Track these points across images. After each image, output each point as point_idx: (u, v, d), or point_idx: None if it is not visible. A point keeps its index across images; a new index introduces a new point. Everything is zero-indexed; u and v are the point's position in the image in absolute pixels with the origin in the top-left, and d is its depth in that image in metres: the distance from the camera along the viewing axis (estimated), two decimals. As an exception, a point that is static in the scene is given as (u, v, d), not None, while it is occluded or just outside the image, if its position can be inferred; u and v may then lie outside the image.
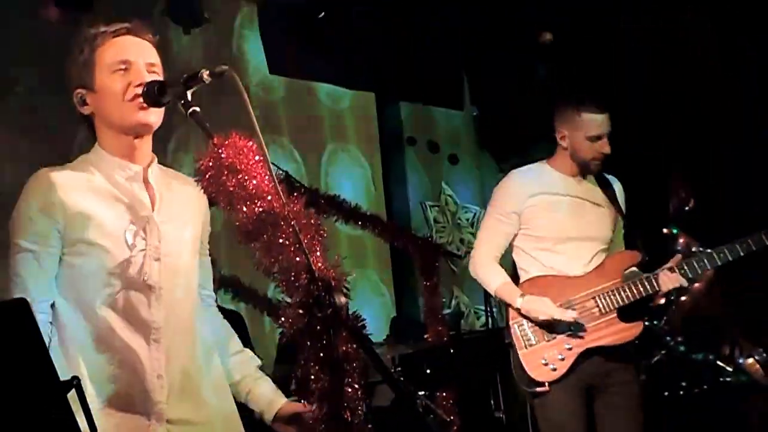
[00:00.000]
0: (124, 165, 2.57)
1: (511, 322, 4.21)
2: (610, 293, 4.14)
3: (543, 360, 4.09)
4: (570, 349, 4.08)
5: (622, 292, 4.13)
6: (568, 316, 4.07)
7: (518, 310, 4.16)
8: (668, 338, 6.00)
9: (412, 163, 8.76)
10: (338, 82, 8.20)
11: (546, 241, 4.25)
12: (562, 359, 4.07)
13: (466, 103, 9.29)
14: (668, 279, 4.08)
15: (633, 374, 4.24)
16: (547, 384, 4.07)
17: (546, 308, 4.09)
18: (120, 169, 2.57)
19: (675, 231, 5.78)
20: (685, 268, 4.11)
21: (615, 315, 4.14)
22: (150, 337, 2.50)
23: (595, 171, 4.33)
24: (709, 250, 4.15)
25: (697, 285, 4.54)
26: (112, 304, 2.47)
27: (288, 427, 2.68)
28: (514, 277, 4.39)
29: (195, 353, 2.65)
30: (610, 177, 4.43)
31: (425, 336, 6.09)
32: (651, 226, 5.43)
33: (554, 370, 4.06)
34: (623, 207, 4.40)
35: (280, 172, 5.50)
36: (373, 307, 7.84)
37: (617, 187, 4.42)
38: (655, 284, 4.11)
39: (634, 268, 4.23)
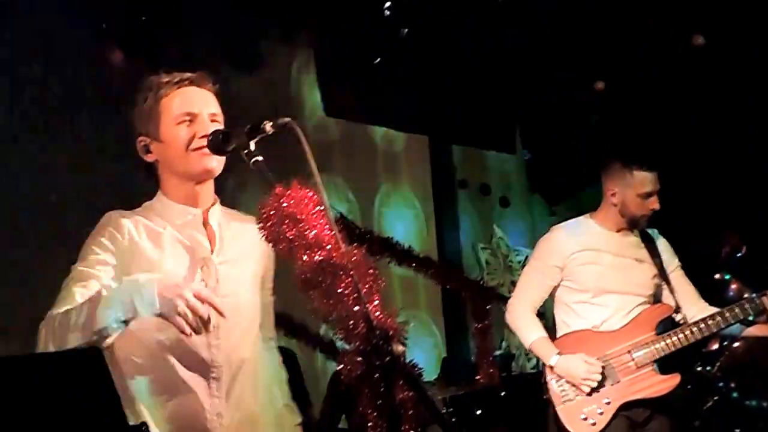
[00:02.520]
0: (185, 210, 2.64)
1: (548, 378, 4.26)
2: (644, 346, 4.18)
3: (582, 415, 4.13)
4: (608, 403, 4.12)
5: (656, 345, 4.16)
6: (598, 373, 4.12)
7: (551, 368, 4.21)
8: (721, 384, 5.96)
9: (464, 205, 8.79)
10: (392, 125, 8.26)
11: (587, 294, 4.29)
12: (601, 413, 4.11)
13: (517, 146, 9.34)
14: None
15: (670, 425, 4.25)
16: None
17: (578, 371, 4.13)
18: (181, 214, 2.64)
19: (727, 277, 5.77)
20: (717, 318, 4.16)
21: (652, 368, 4.18)
22: (210, 376, 2.54)
23: (644, 226, 4.39)
24: (753, 296, 4.18)
25: (751, 330, 4.50)
26: (171, 346, 2.50)
27: None
28: (553, 328, 4.45)
29: (255, 392, 2.68)
30: (652, 231, 4.48)
31: (476, 377, 6.14)
32: (703, 273, 5.40)
33: (593, 424, 4.11)
34: (668, 261, 4.43)
35: (336, 212, 5.58)
36: (424, 347, 7.83)
37: (660, 241, 4.46)
38: (683, 337, 4.16)
39: (667, 321, 4.28)
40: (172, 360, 2.52)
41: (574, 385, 4.16)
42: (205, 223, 2.68)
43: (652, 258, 4.37)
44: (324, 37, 7.63)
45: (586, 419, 4.12)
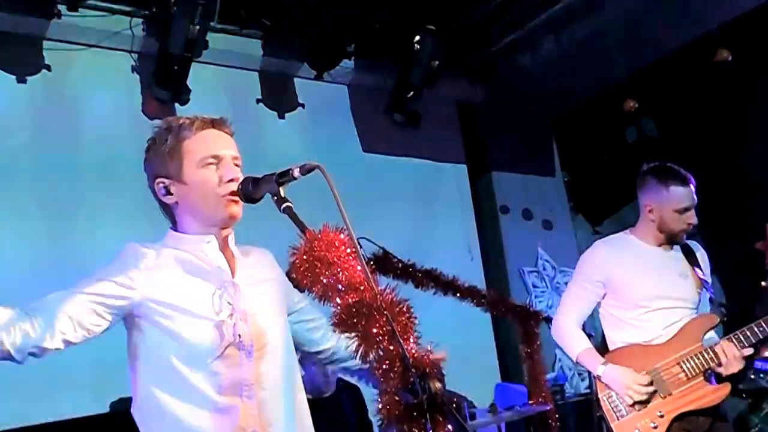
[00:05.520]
0: (202, 238, 2.63)
1: (600, 395, 4.25)
2: (693, 357, 4.15)
3: (636, 430, 4.12)
4: (662, 416, 4.11)
5: (705, 356, 4.13)
6: (647, 385, 4.12)
7: (599, 377, 4.23)
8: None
9: (507, 230, 8.80)
10: (430, 157, 8.34)
11: (632, 308, 4.28)
12: (655, 427, 4.10)
13: (557, 169, 9.38)
14: (726, 348, 4.11)
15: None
16: None
17: (624, 379, 4.15)
18: (199, 241, 2.63)
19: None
20: (747, 333, 4.12)
21: (702, 378, 4.16)
22: (243, 395, 2.53)
23: (682, 241, 4.38)
24: None
25: None
26: (203, 367, 2.50)
27: None
28: (602, 343, 4.44)
29: (292, 405, 2.69)
30: (692, 243, 4.46)
31: (529, 402, 6.13)
32: (749, 281, 5.39)
33: None
34: (707, 272, 4.40)
35: (379, 249, 5.60)
36: (477, 374, 7.81)
37: (700, 253, 4.44)
38: (732, 346, 4.11)
39: (712, 332, 4.25)
40: (205, 380, 2.51)
41: (623, 399, 4.16)
42: (224, 249, 2.67)
43: (693, 269, 4.36)
44: (359, 72, 7.74)
45: None
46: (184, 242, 2.65)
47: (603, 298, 4.40)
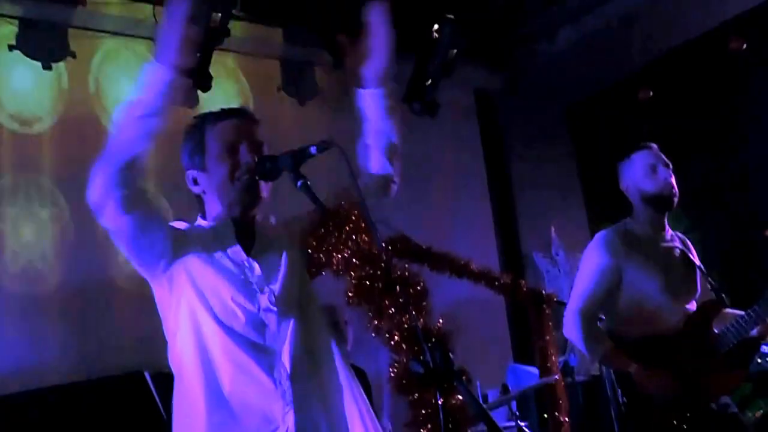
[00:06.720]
0: (223, 220, 2.76)
1: (626, 405, 4.17)
2: (709, 345, 4.14)
3: (674, 423, 4.06)
4: (691, 405, 4.06)
5: (719, 342, 4.12)
6: (672, 381, 4.07)
7: (630, 375, 4.11)
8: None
9: (522, 216, 8.90)
10: (448, 144, 8.45)
11: (641, 298, 4.21)
12: (686, 417, 4.04)
13: (571, 156, 9.47)
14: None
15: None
16: None
17: (657, 380, 4.08)
18: (221, 223, 2.76)
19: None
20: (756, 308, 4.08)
21: (721, 364, 4.13)
22: (270, 366, 2.58)
23: (671, 206, 4.31)
24: None
25: None
26: (226, 342, 2.57)
27: None
28: (613, 333, 4.34)
29: (327, 367, 2.73)
30: (679, 234, 4.47)
31: (540, 381, 6.27)
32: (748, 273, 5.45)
33: (685, 428, 4.04)
34: (700, 260, 4.39)
35: (395, 232, 5.72)
36: (490, 355, 7.92)
37: (687, 241, 4.45)
38: (741, 330, 4.10)
39: (720, 317, 4.23)
40: (230, 352, 2.56)
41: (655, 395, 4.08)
42: (244, 224, 2.78)
43: (691, 257, 4.35)
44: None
45: (677, 426, 4.05)
46: (202, 230, 2.77)
47: (615, 288, 4.26)
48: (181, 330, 2.64)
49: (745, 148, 8.06)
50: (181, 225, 2.79)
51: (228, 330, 2.59)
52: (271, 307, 2.65)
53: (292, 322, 2.66)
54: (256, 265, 2.71)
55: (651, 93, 8.15)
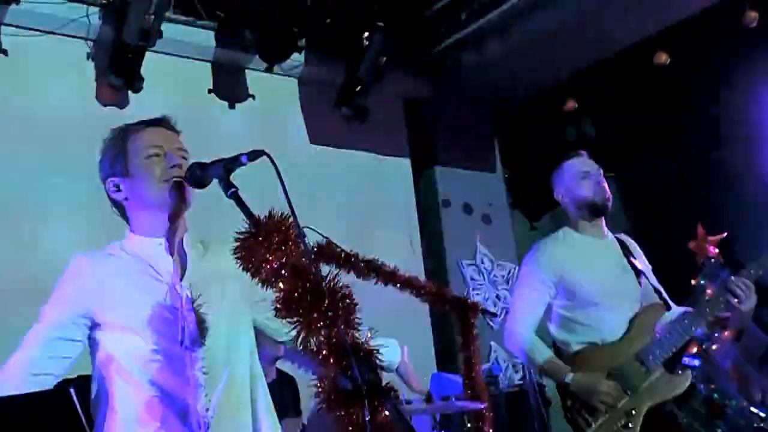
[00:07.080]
0: (152, 242, 2.73)
1: (568, 414, 4.23)
2: (650, 350, 4.17)
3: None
4: (634, 413, 4.11)
5: (660, 347, 4.16)
6: (615, 387, 4.10)
7: (567, 385, 4.17)
8: (702, 386, 6.12)
9: (447, 224, 8.89)
10: (376, 150, 8.44)
11: (585, 306, 4.25)
12: (629, 426, 4.09)
13: (497, 165, 9.51)
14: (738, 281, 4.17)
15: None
16: None
17: (595, 386, 4.11)
18: (149, 246, 2.73)
19: (702, 282, 5.91)
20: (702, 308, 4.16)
21: (663, 369, 4.18)
22: (196, 397, 2.59)
23: (605, 210, 4.38)
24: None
25: (726, 333, 4.59)
26: (153, 373, 2.57)
27: None
28: (553, 346, 4.40)
29: (248, 407, 2.75)
30: (622, 236, 4.51)
31: (465, 395, 6.26)
32: (681, 279, 5.54)
33: None
34: (643, 263, 4.43)
35: (323, 238, 5.69)
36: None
37: (632, 245, 4.48)
38: (683, 333, 4.15)
39: (662, 320, 4.26)
40: (155, 388, 2.57)
41: (594, 405, 4.11)
42: (177, 251, 2.76)
43: (631, 261, 4.37)
44: (309, 66, 7.82)
45: None
46: (135, 244, 2.75)
47: (554, 298, 4.33)
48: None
49: (670, 157, 8.25)
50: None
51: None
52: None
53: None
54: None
55: (576, 105, 8.28)
